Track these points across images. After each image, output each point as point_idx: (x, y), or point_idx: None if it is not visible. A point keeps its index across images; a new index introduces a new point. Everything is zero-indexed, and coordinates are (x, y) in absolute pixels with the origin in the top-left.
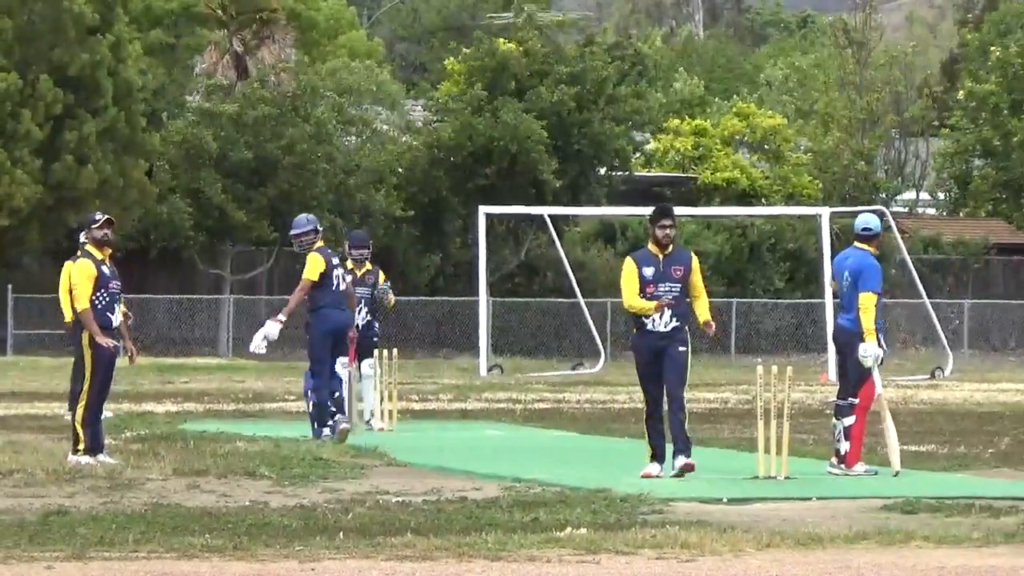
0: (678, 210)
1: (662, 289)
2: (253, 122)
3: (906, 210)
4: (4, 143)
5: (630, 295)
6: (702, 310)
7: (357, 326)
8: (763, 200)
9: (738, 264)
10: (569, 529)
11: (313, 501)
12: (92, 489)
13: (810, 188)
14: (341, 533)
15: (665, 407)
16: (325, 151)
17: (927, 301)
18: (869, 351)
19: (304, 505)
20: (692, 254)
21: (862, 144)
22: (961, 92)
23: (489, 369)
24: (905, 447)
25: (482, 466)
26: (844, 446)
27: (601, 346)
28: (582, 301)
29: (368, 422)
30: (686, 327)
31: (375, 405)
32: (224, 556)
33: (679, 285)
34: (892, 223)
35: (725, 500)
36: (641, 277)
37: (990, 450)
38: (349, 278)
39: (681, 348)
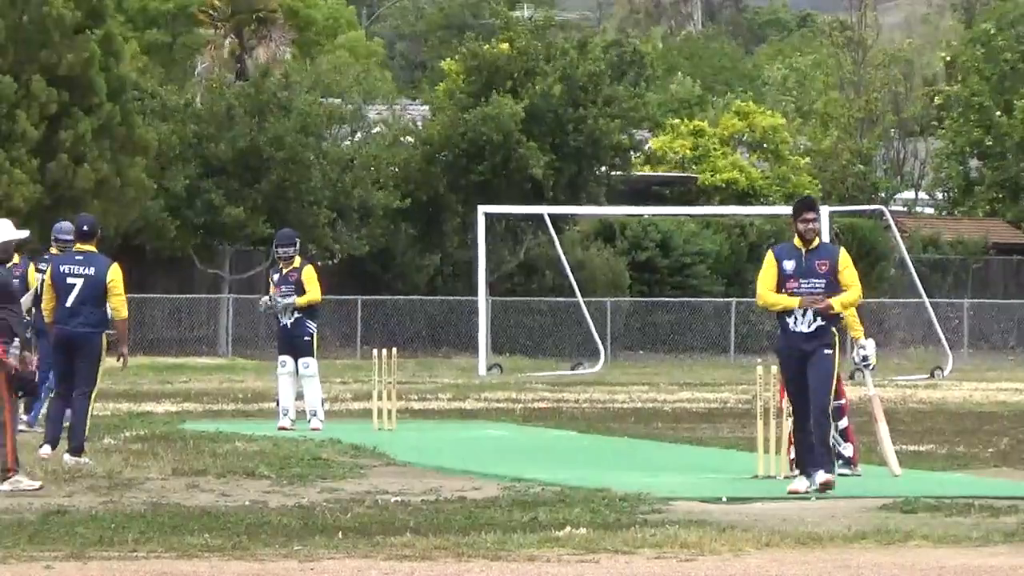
0: (677, 209)
1: (805, 286)
2: (231, 116)
3: (905, 209)
4: (1, 143)
5: (763, 290)
6: (840, 296)
7: (286, 325)
8: (762, 200)
9: (737, 264)
10: (569, 529)
11: (312, 501)
12: (91, 489)
13: (810, 189)
14: (340, 533)
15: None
16: (314, 144)
17: (927, 301)
18: (870, 347)
19: (303, 505)
20: (841, 249)
21: (861, 144)
22: (937, 98)
23: (488, 369)
24: (905, 447)
25: (482, 466)
26: (847, 449)
27: (601, 346)
28: (582, 301)
29: (308, 420)
30: (832, 328)
31: (316, 405)
32: (223, 556)
33: (823, 281)
34: (892, 223)
35: (725, 500)
36: (781, 271)
37: (990, 450)
38: (276, 276)
39: (827, 351)
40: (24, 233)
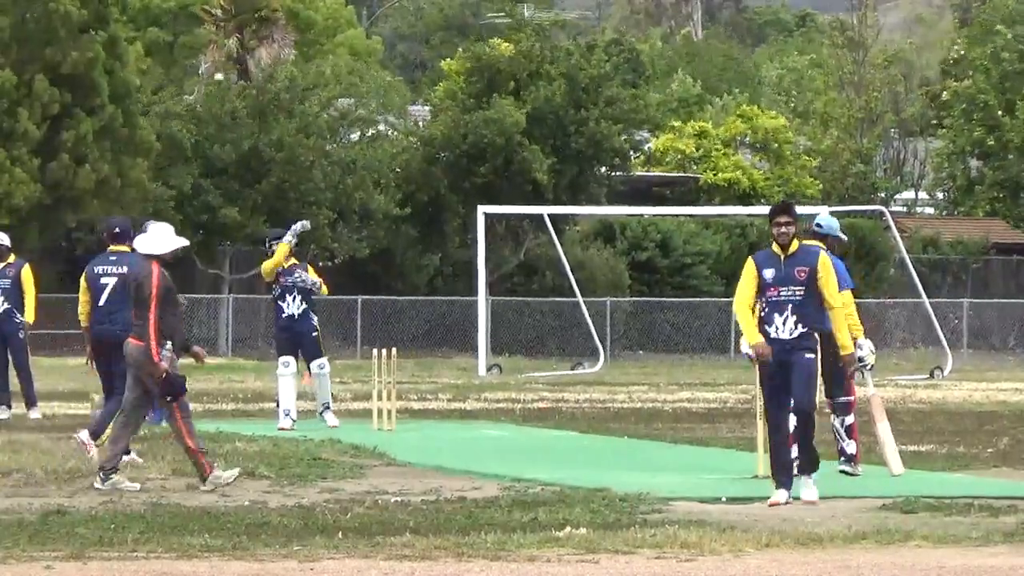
0: (677, 210)
1: (784, 293)
2: (234, 118)
3: (905, 210)
4: (3, 142)
5: (739, 301)
6: (840, 335)
7: (293, 315)
8: (763, 200)
9: (738, 264)
10: (569, 529)
11: (312, 501)
12: (92, 489)
13: (811, 189)
14: (340, 533)
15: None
16: (316, 145)
17: (927, 301)
18: (868, 347)
19: (303, 505)
20: (821, 253)
21: (861, 144)
22: (946, 94)
23: (488, 369)
24: (905, 447)
25: (482, 466)
26: (851, 446)
27: (600, 346)
28: (582, 301)
29: (321, 414)
30: (815, 334)
31: (329, 399)
32: (223, 556)
33: (802, 288)
34: (892, 223)
35: (725, 500)
36: (761, 280)
37: (989, 450)
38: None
39: (809, 355)
40: (184, 241)
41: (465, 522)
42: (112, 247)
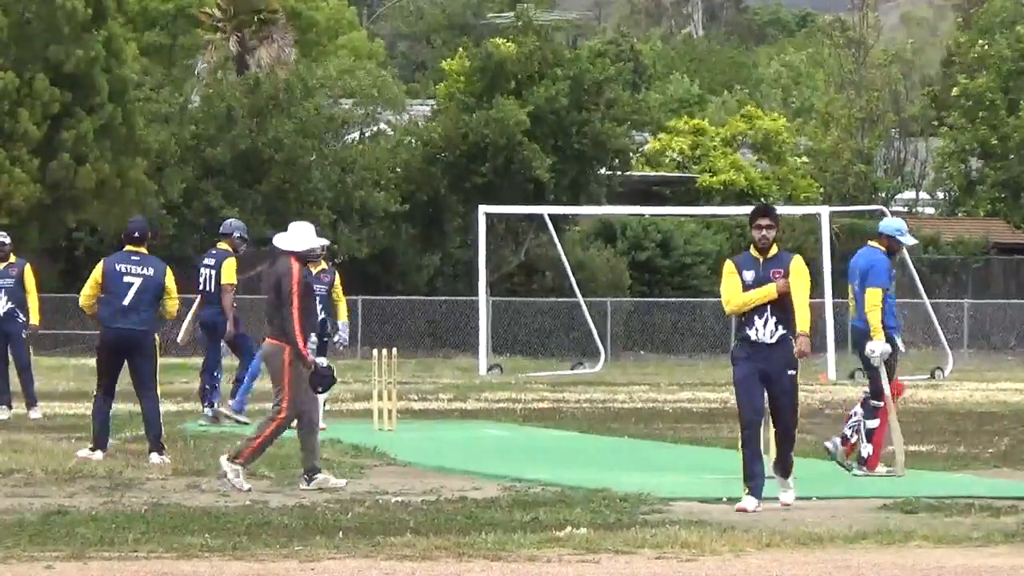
0: (677, 210)
1: None
2: (231, 118)
3: (906, 210)
4: (3, 142)
5: (734, 296)
6: (800, 322)
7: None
8: (763, 200)
9: None
10: (569, 529)
11: (313, 501)
12: (92, 489)
13: (810, 191)
14: (341, 533)
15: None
16: (314, 146)
17: (927, 301)
18: (876, 348)
19: (304, 505)
20: (796, 257)
21: (861, 144)
22: (955, 90)
23: (489, 369)
24: (905, 447)
25: (482, 466)
26: (867, 449)
27: (601, 346)
28: (582, 301)
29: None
30: (791, 339)
31: (321, 404)
32: (224, 556)
33: None
34: None
35: (725, 500)
36: (741, 281)
37: (990, 450)
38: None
39: (790, 372)
40: (324, 241)
41: (465, 522)
42: (132, 247)
